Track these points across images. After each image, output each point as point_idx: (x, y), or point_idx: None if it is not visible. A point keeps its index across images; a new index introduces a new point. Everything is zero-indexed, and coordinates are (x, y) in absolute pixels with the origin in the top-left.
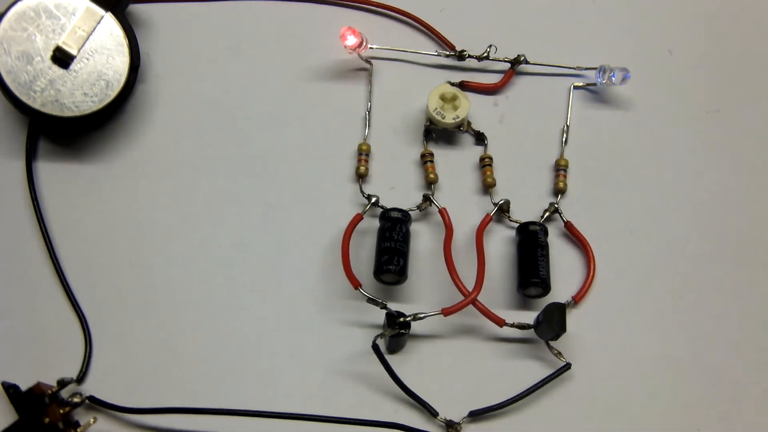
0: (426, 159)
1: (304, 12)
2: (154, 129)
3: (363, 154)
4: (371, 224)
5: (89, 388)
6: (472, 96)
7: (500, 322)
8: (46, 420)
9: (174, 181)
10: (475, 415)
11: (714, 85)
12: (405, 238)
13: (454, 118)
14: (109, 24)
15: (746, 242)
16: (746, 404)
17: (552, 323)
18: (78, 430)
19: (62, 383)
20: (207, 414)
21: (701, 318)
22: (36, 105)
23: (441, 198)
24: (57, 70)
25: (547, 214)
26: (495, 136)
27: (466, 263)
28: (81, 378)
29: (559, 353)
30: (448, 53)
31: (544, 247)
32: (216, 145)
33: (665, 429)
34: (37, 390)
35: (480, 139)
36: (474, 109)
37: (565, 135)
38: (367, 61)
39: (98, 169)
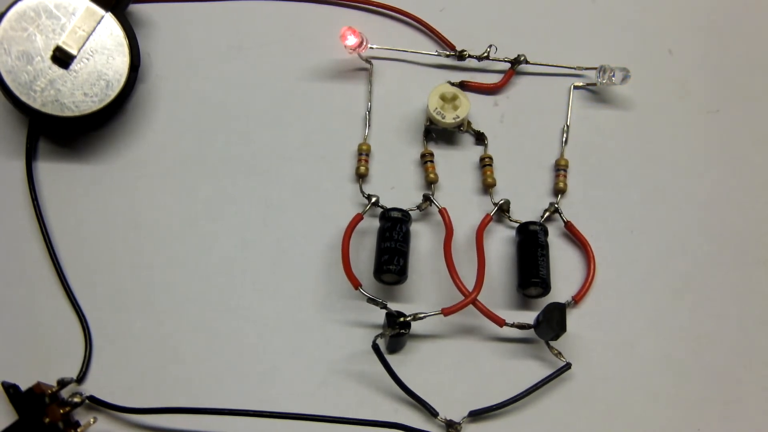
0: (426, 159)
1: (304, 12)
2: (154, 129)
3: (363, 154)
4: (371, 224)
5: (89, 388)
6: (472, 96)
7: (500, 322)
8: (46, 420)
9: (174, 181)
10: (475, 415)
11: (714, 85)
12: (405, 238)
13: (454, 118)
14: (109, 24)
15: (746, 242)
16: (746, 404)
17: (552, 323)
18: (78, 430)
19: (62, 383)
20: (207, 414)
21: (701, 318)
22: (36, 105)
23: (441, 198)
24: (57, 70)
25: (547, 214)
26: (495, 136)
27: (466, 263)
28: (81, 378)
29: (559, 353)
30: (448, 53)
31: (544, 247)
32: (216, 145)
33: (665, 429)
34: (37, 390)
35: (480, 139)
36: (474, 109)
37: (565, 135)
38: (367, 61)
39: (98, 169)
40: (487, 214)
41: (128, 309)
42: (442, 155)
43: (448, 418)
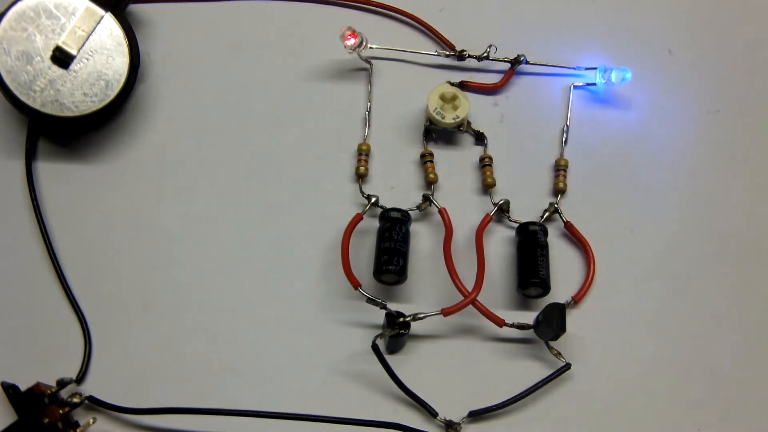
0: (426, 159)
1: (304, 12)
2: (154, 129)
3: (363, 154)
4: (371, 224)
5: (89, 388)
6: (471, 96)
7: (500, 323)
8: (46, 420)
9: (174, 181)
10: (475, 416)
11: (714, 85)
12: (405, 238)
13: (454, 118)
14: (109, 24)
15: (746, 242)
16: (746, 404)
17: (552, 323)
18: (77, 430)
19: (62, 383)
20: (207, 414)
21: (701, 318)
22: (36, 105)
23: (441, 198)
24: (57, 70)
25: (546, 214)
26: (495, 136)
27: (466, 263)
28: (80, 378)
29: (559, 353)
30: (448, 53)
31: (544, 247)
32: (216, 145)
33: (665, 429)
34: (37, 390)
35: (480, 139)
36: (474, 109)
37: (565, 135)
38: (367, 61)
39: (98, 169)
40: (487, 215)
41: (128, 309)
42: (441, 155)
43: (447, 419)
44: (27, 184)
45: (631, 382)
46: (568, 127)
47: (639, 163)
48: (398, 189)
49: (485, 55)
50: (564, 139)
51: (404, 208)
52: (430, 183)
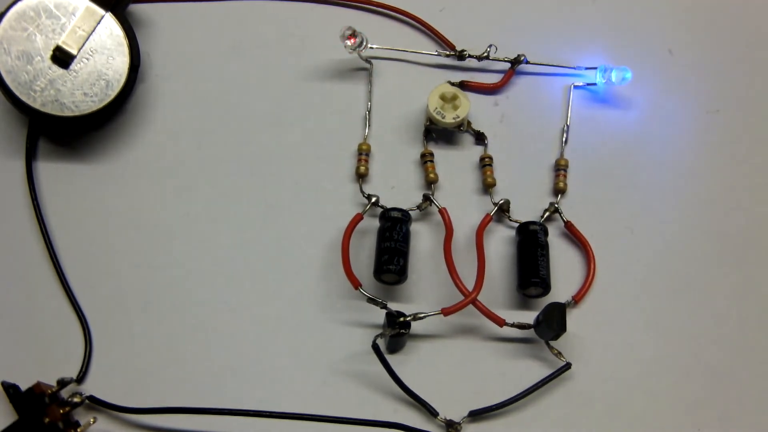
0: (426, 159)
1: (304, 12)
2: (154, 129)
3: (363, 153)
4: (371, 224)
5: (89, 387)
6: (472, 96)
7: (500, 322)
8: (46, 420)
9: (174, 181)
10: (475, 415)
11: (714, 85)
12: (405, 238)
13: (454, 118)
14: (109, 24)
15: (746, 242)
16: (746, 404)
17: (552, 323)
18: (78, 430)
19: (62, 383)
20: (207, 414)
21: (701, 318)
22: (36, 105)
23: (441, 198)
24: (57, 70)
25: (547, 213)
26: (495, 136)
27: (466, 263)
28: (81, 378)
29: (559, 353)
30: (448, 53)
31: (544, 246)
32: (216, 145)
33: (665, 429)
34: (37, 390)
35: (480, 138)
36: (474, 108)
37: (565, 135)
38: (367, 61)
39: (98, 169)
40: (487, 214)
41: (128, 309)
42: (442, 155)
43: (448, 418)
44: (27, 184)
45: (631, 382)
46: (568, 126)
47: (639, 163)
48: (398, 189)
49: (485, 54)
50: (564, 139)
51: (404, 207)
52: (430, 183)
